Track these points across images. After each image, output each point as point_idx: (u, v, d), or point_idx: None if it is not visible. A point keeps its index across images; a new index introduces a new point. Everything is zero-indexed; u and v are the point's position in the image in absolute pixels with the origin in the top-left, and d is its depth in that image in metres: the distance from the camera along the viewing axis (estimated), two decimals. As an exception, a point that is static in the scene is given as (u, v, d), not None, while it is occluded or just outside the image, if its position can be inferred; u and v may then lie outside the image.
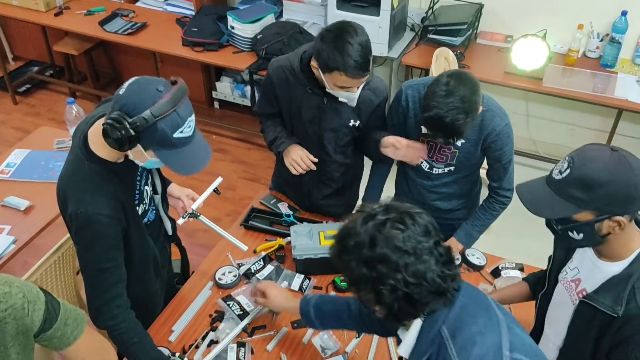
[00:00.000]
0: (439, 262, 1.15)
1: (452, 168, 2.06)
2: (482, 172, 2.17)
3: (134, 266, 1.71)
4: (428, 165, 2.09)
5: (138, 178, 1.70)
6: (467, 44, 3.46)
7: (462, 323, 1.20)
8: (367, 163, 2.33)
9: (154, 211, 1.85)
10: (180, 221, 1.90)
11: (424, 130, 1.96)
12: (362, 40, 1.81)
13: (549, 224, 1.42)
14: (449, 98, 1.72)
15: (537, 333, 1.68)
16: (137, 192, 1.69)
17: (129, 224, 1.62)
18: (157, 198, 1.85)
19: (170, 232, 1.96)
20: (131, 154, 1.49)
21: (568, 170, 1.30)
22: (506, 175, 2.02)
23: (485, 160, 2.06)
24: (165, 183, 1.93)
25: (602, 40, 3.38)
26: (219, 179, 1.99)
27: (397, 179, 2.30)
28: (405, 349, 1.26)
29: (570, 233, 1.35)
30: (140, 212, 1.71)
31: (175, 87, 1.42)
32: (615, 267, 1.36)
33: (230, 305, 1.92)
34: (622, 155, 1.28)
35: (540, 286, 1.65)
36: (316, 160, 2.13)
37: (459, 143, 1.96)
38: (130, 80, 1.43)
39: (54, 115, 4.48)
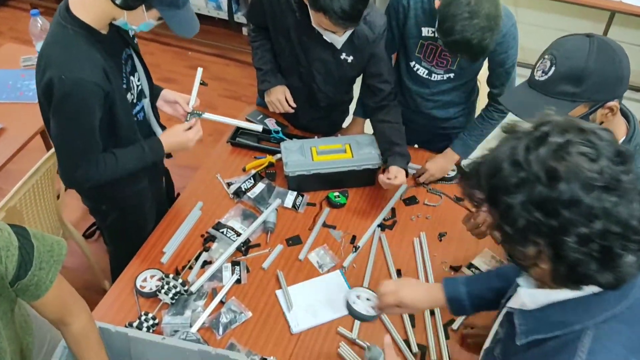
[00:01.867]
0: None
1: (451, 75, 1.96)
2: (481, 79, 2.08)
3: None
4: (426, 72, 1.98)
5: (123, 62, 1.63)
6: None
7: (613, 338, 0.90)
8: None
9: (143, 113, 1.78)
10: (185, 124, 1.80)
11: (423, 32, 1.84)
12: None
13: None
14: (474, 19, 1.58)
15: None
16: (123, 74, 1.62)
17: (117, 103, 1.57)
18: (146, 102, 1.79)
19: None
20: (127, 16, 1.47)
21: (553, 68, 1.25)
22: (508, 81, 1.93)
23: (486, 66, 1.96)
24: (154, 90, 1.83)
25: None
26: (200, 70, 1.86)
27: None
28: (521, 301, 0.98)
29: None
30: (129, 101, 1.66)
31: None
32: None
33: (224, 232, 1.86)
34: (600, 39, 1.26)
35: None
36: (295, 105, 2.10)
37: None
38: None
39: (16, 34, 4.17)
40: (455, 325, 1.64)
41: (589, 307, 0.91)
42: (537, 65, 1.30)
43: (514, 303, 1.02)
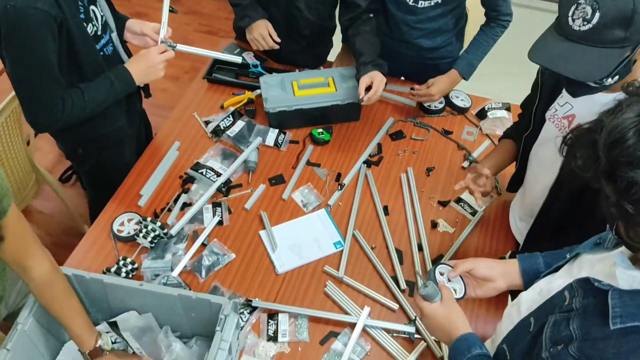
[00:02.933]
0: None
1: (439, 0, 1.83)
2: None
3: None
4: (413, -2, 1.85)
5: None
6: None
7: None
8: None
9: (111, 47, 1.67)
10: (153, 48, 1.67)
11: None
12: None
13: (573, 85, 1.24)
14: None
15: (519, 176, 1.62)
16: (79, 3, 1.49)
17: (74, 34, 1.45)
18: (114, 36, 1.67)
19: None
20: None
21: (597, 14, 1.10)
22: (506, 1, 1.82)
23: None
24: (120, 21, 1.70)
25: None
26: None
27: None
28: (628, 279, 0.87)
29: (605, 80, 1.18)
30: (90, 33, 1.53)
31: None
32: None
33: (204, 173, 1.77)
34: None
35: (524, 127, 1.52)
36: (279, 40, 1.96)
37: None
38: None
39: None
40: (444, 261, 1.61)
41: None
42: (572, 13, 1.14)
43: (599, 276, 0.92)
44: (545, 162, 1.44)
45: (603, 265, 0.98)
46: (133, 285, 1.21)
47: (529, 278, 1.23)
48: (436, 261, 1.61)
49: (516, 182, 1.66)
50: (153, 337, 1.24)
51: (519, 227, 1.63)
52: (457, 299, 1.29)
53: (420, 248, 1.64)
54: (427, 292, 1.22)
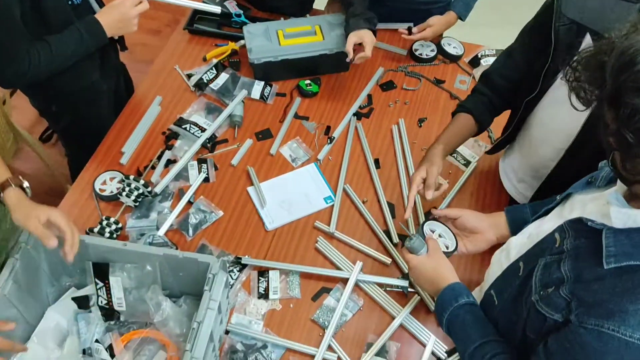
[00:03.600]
0: None
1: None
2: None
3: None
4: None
5: None
6: None
7: None
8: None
9: None
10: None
11: None
12: None
13: None
14: None
15: (509, 139, 1.55)
16: None
17: None
18: None
19: None
20: None
21: None
22: None
23: None
24: None
25: None
26: None
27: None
28: (623, 217, 0.83)
29: None
30: None
31: None
32: None
33: (187, 128, 1.70)
34: None
35: (526, 91, 1.36)
36: None
37: None
38: None
39: None
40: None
41: None
42: None
43: (592, 216, 0.89)
44: (558, 125, 1.32)
45: (595, 204, 0.94)
46: (116, 246, 1.16)
47: (518, 229, 1.21)
48: (429, 213, 1.58)
49: (500, 146, 1.60)
50: (141, 295, 1.20)
51: (518, 188, 1.56)
52: (449, 254, 1.27)
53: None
54: (413, 244, 1.21)
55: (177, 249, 1.41)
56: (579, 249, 0.90)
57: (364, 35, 1.68)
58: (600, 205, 0.92)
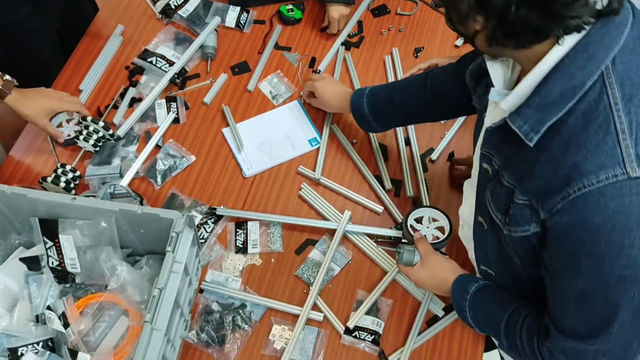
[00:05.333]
0: None
1: None
2: None
3: None
4: None
5: None
6: None
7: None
8: None
9: None
10: None
11: None
12: None
13: None
14: None
15: None
16: None
17: None
18: None
19: None
20: None
21: None
22: None
23: None
24: None
25: None
26: None
27: None
28: (511, 100, 0.81)
29: None
30: None
31: None
32: None
33: (154, 62, 1.50)
34: None
35: None
36: None
37: None
38: None
39: None
40: (434, 156, 1.42)
41: (588, 52, 0.72)
42: None
43: (492, 119, 0.88)
44: None
45: (488, 119, 0.94)
46: (64, 201, 1.00)
47: (356, 116, 1.31)
48: (425, 156, 1.42)
49: None
50: (97, 255, 1.05)
51: None
52: (444, 241, 1.20)
53: (407, 142, 1.44)
54: (403, 259, 1.13)
55: (141, 200, 1.25)
56: (507, 157, 0.86)
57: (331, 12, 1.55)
58: (491, 115, 0.93)
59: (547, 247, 0.81)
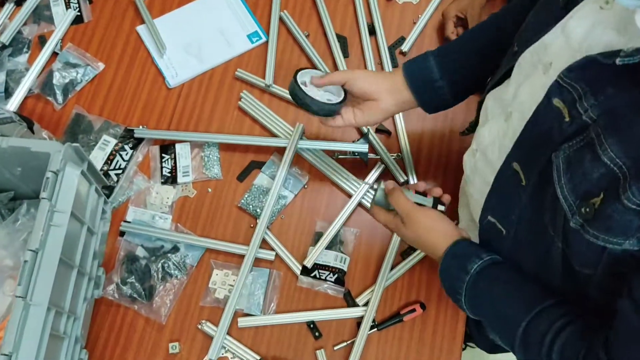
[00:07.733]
0: None
1: None
2: None
3: None
4: None
5: None
6: None
7: None
8: None
9: None
10: None
11: None
12: None
13: None
14: None
15: None
16: None
17: None
18: None
19: None
20: None
21: None
22: None
23: None
24: None
25: None
26: None
27: None
28: None
29: None
30: None
31: None
32: None
33: None
34: None
35: None
36: None
37: None
38: None
39: None
40: (405, 47, 1.13)
41: None
42: None
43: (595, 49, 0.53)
44: None
45: (591, 35, 0.55)
46: None
47: (419, 87, 0.85)
48: (395, 46, 1.14)
49: None
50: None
51: None
52: (337, 104, 0.87)
53: (372, 31, 1.15)
54: (375, 198, 0.87)
55: (31, 127, 0.97)
56: (615, 108, 0.51)
57: None
58: (599, 30, 0.55)
59: None
